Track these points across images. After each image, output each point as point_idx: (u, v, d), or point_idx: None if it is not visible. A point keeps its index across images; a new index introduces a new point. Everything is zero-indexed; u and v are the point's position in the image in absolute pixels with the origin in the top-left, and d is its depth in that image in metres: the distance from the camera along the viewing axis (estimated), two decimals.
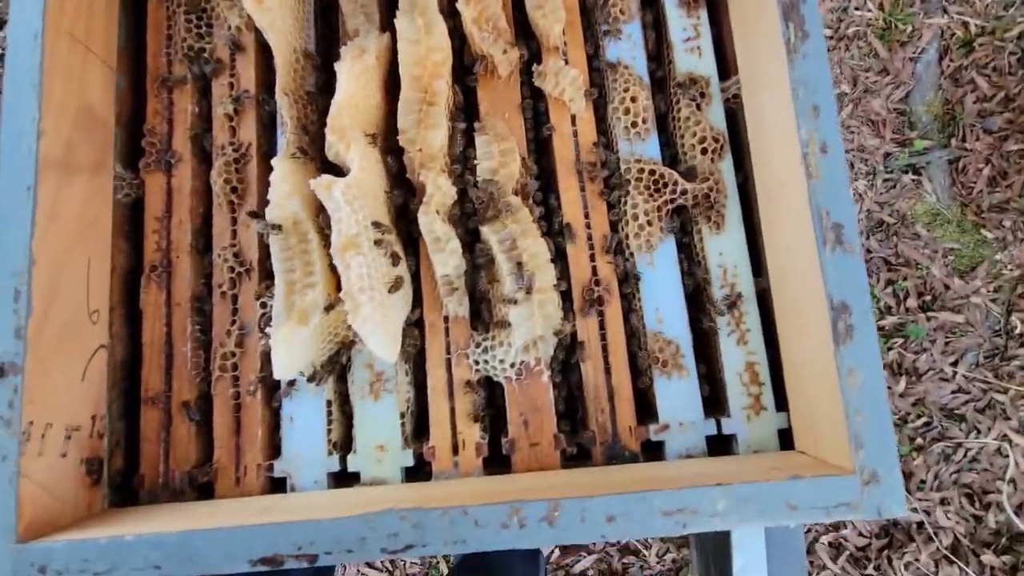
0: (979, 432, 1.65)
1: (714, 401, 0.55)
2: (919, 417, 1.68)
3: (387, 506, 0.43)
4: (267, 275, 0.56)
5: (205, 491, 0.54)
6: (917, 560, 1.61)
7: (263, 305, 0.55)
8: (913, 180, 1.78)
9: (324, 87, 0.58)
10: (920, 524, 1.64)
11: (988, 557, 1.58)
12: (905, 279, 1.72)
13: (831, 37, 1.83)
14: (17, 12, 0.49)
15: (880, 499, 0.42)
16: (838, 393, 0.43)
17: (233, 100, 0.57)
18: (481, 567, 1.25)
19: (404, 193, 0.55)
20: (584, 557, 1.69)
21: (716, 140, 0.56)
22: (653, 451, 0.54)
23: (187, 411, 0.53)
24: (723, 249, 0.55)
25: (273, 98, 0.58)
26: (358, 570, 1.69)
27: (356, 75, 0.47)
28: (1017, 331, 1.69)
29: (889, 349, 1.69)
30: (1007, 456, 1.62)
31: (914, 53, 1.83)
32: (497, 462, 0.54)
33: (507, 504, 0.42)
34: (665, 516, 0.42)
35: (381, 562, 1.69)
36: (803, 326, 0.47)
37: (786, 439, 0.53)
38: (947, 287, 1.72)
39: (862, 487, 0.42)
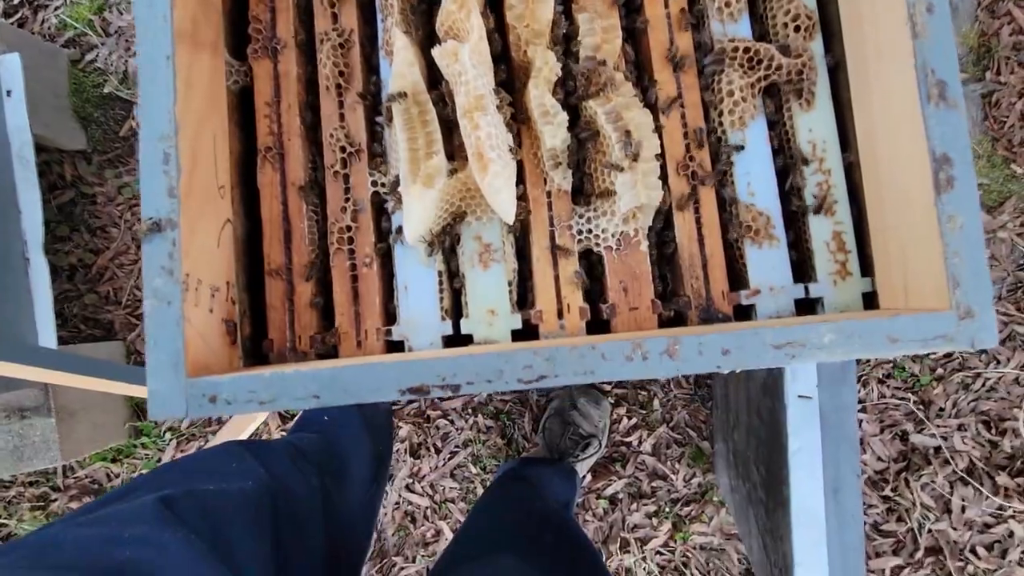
0: (999, 363, 1.70)
1: (802, 268, 0.59)
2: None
3: (515, 349, 0.47)
4: (375, 156, 0.59)
5: (328, 356, 0.58)
6: (933, 482, 1.69)
7: (374, 183, 0.58)
8: None
9: None
10: (937, 449, 1.71)
11: (1003, 479, 1.66)
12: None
13: None
14: None
15: (975, 332, 0.46)
16: (938, 239, 0.46)
17: None
18: (520, 484, 1.32)
19: (506, 71, 0.57)
20: (615, 481, 1.77)
21: (809, 18, 0.57)
22: (745, 316, 0.58)
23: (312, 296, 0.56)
24: (812, 125, 0.58)
25: None
26: (400, 496, 1.78)
27: None
28: None
29: None
30: None
31: None
32: (598, 328, 0.58)
33: (630, 341, 0.46)
34: (776, 348, 0.46)
35: (422, 487, 1.77)
36: (901, 184, 0.50)
37: (870, 303, 0.57)
38: None
39: (958, 321, 0.45)
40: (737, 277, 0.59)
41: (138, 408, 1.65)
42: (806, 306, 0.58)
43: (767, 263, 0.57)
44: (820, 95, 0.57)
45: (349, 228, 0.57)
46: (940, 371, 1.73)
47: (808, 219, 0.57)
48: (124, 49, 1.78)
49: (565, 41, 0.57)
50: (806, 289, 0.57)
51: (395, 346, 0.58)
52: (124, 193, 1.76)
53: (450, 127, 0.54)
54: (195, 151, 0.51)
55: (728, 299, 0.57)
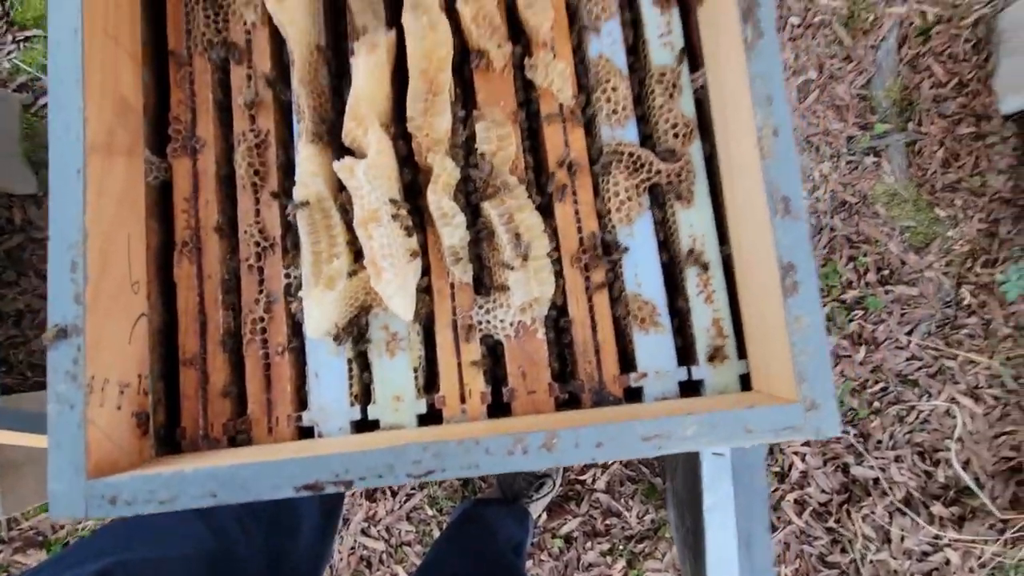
0: (930, 395, 1.80)
1: (685, 352, 0.64)
2: (876, 383, 1.82)
3: (409, 440, 0.50)
4: (289, 249, 0.63)
5: (241, 442, 0.61)
6: (873, 512, 1.76)
7: (287, 276, 0.61)
8: (874, 162, 1.90)
9: (335, 75, 0.64)
10: (876, 480, 1.79)
11: (938, 508, 1.74)
12: (865, 255, 1.85)
13: (799, 25, 1.92)
14: (56, 11, 0.54)
15: (819, 422, 0.51)
16: (786, 336, 0.51)
17: (251, 93, 0.62)
18: (474, 527, 1.34)
19: (412, 173, 0.61)
20: (569, 520, 1.80)
21: (686, 126, 0.64)
22: (634, 397, 0.63)
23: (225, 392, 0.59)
24: (692, 221, 0.63)
25: (288, 87, 0.64)
26: (355, 540, 1.77)
27: (370, 69, 0.54)
28: (966, 302, 1.83)
29: (850, 321, 1.82)
30: (955, 417, 1.77)
31: (875, 41, 1.94)
32: (499, 410, 0.62)
33: (512, 435, 0.50)
34: (645, 440, 0.50)
35: (377, 531, 1.77)
36: (759, 283, 0.56)
37: (746, 383, 0.62)
38: (903, 262, 1.86)
39: (805, 413, 0.51)
40: (629, 358, 0.64)
41: None
42: (691, 386, 0.63)
43: (653, 348, 0.62)
44: (698, 194, 0.63)
45: (262, 319, 0.60)
46: (876, 404, 1.82)
47: (690, 305, 0.62)
48: None
49: (467, 144, 0.62)
50: (688, 372, 0.62)
51: (307, 431, 0.61)
52: None
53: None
54: (106, 254, 0.54)
55: (618, 382, 0.61)
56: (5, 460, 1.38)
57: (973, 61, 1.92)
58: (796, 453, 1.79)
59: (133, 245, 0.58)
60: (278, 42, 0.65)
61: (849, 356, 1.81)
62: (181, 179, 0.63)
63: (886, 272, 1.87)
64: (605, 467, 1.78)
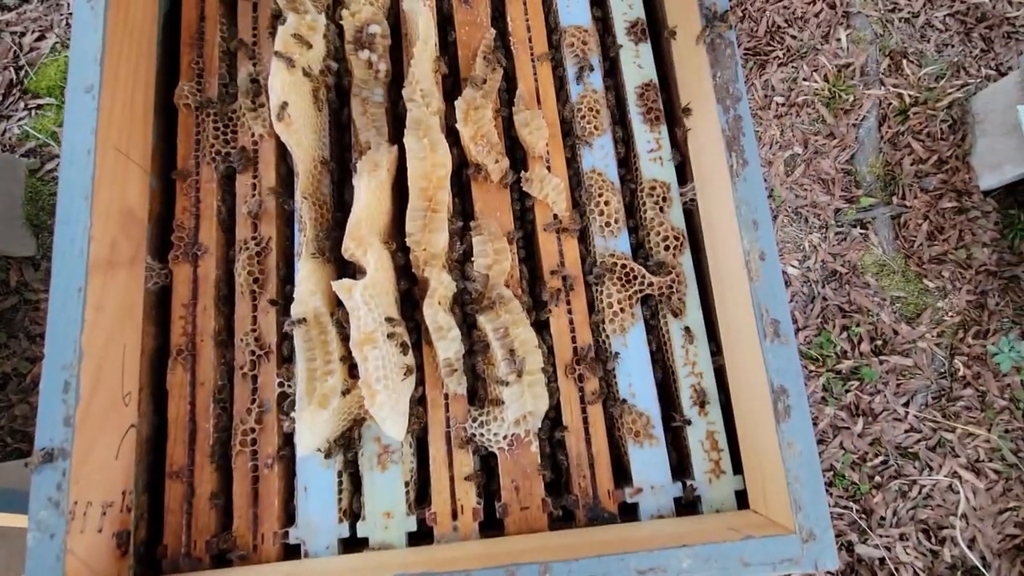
0: (931, 469, 1.77)
1: (680, 465, 0.63)
2: (876, 456, 1.79)
3: (397, 571, 0.49)
4: (285, 359, 0.63)
5: (222, 560, 0.59)
6: None
7: (280, 385, 0.61)
8: (861, 233, 1.94)
9: (337, 184, 0.66)
10: (882, 560, 1.73)
11: None
12: (858, 325, 1.86)
13: (783, 104, 2.01)
14: (71, 130, 0.56)
15: (817, 554, 0.50)
16: (779, 459, 0.51)
17: (256, 202, 0.64)
18: None
19: (408, 282, 0.63)
20: None
21: (677, 238, 0.66)
22: (629, 512, 0.61)
23: (212, 499, 0.58)
24: (685, 333, 0.64)
25: (291, 197, 0.66)
26: None
27: (372, 188, 0.56)
28: (960, 373, 1.83)
29: (847, 391, 1.82)
30: (958, 492, 1.73)
31: (856, 120, 2.03)
32: (491, 524, 0.60)
33: (504, 567, 0.49)
34: (640, 574, 0.49)
35: None
36: (751, 403, 0.56)
37: (742, 497, 0.61)
38: (896, 332, 1.87)
39: (802, 544, 0.50)
40: (624, 471, 0.63)
41: None
42: (686, 503, 0.62)
43: (648, 462, 0.61)
44: (690, 304, 0.64)
45: (253, 430, 0.60)
46: (878, 478, 1.79)
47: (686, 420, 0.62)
48: None
49: (464, 258, 0.63)
50: (684, 487, 0.61)
51: (292, 549, 0.59)
52: None
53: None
54: (101, 369, 0.54)
55: (613, 497, 0.60)
56: None
57: (951, 140, 2.01)
58: None
59: (128, 355, 0.58)
60: (283, 152, 0.67)
61: (848, 427, 1.79)
62: (181, 285, 0.64)
63: (879, 342, 1.88)
64: None
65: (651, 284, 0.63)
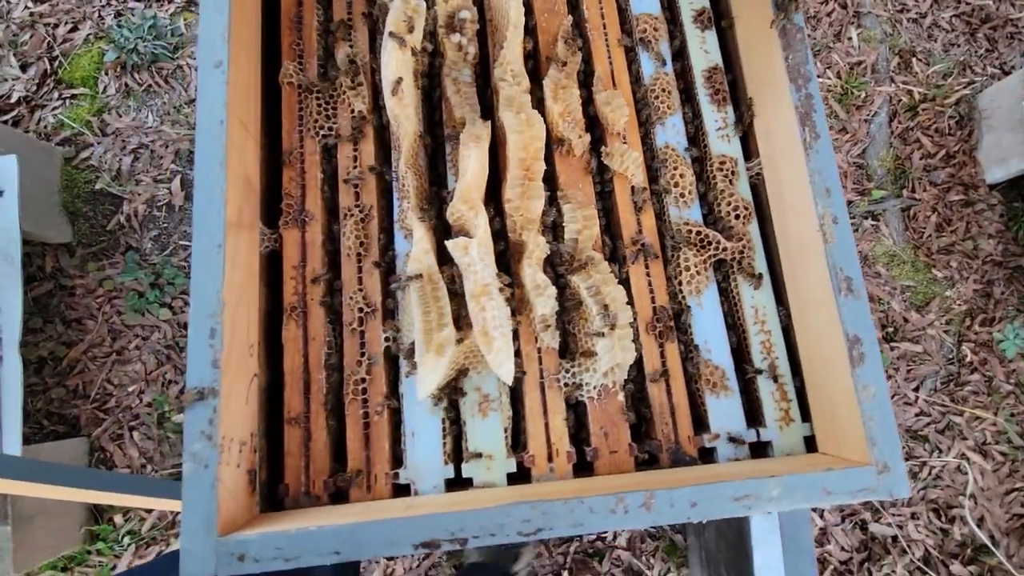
0: (941, 451, 1.85)
1: (753, 413, 0.69)
2: None
3: (510, 500, 0.54)
4: (388, 315, 0.68)
5: (338, 499, 0.64)
6: (894, 572, 1.77)
7: (387, 339, 0.66)
8: (872, 225, 2.02)
9: (431, 157, 0.71)
10: (895, 538, 1.80)
11: (957, 567, 1.75)
12: (871, 313, 1.93)
13: None
14: (204, 103, 0.61)
15: (891, 484, 0.56)
16: (856, 404, 0.57)
17: (357, 172, 0.69)
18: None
19: (504, 245, 0.68)
20: None
21: (745, 208, 0.71)
22: (707, 456, 0.67)
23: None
24: (754, 293, 0.70)
25: (389, 168, 0.71)
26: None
27: (479, 158, 0.61)
28: (967, 359, 1.91)
29: None
30: (966, 473, 1.81)
31: (868, 115, 2.10)
32: (582, 468, 0.66)
33: (614, 495, 0.54)
34: (735, 501, 0.54)
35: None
36: (825, 354, 0.62)
37: (810, 444, 0.67)
38: (906, 320, 1.94)
39: (878, 475, 0.56)
40: (701, 419, 0.69)
41: (96, 510, 1.59)
42: (760, 447, 0.68)
43: (724, 411, 0.67)
44: (758, 268, 0.70)
45: (363, 380, 0.65)
46: None
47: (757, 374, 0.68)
48: (120, 149, 1.86)
49: (554, 226, 0.69)
50: (757, 433, 0.66)
51: (402, 489, 0.64)
52: (105, 286, 1.78)
53: (458, 301, 0.63)
54: (235, 320, 0.59)
55: (693, 442, 0.66)
56: (17, 513, 1.36)
57: (958, 135, 2.09)
58: (814, 509, 1.80)
59: (251, 310, 0.63)
60: (380, 126, 0.72)
61: None
62: (290, 248, 0.69)
63: (891, 329, 1.95)
64: None
65: (725, 249, 0.69)
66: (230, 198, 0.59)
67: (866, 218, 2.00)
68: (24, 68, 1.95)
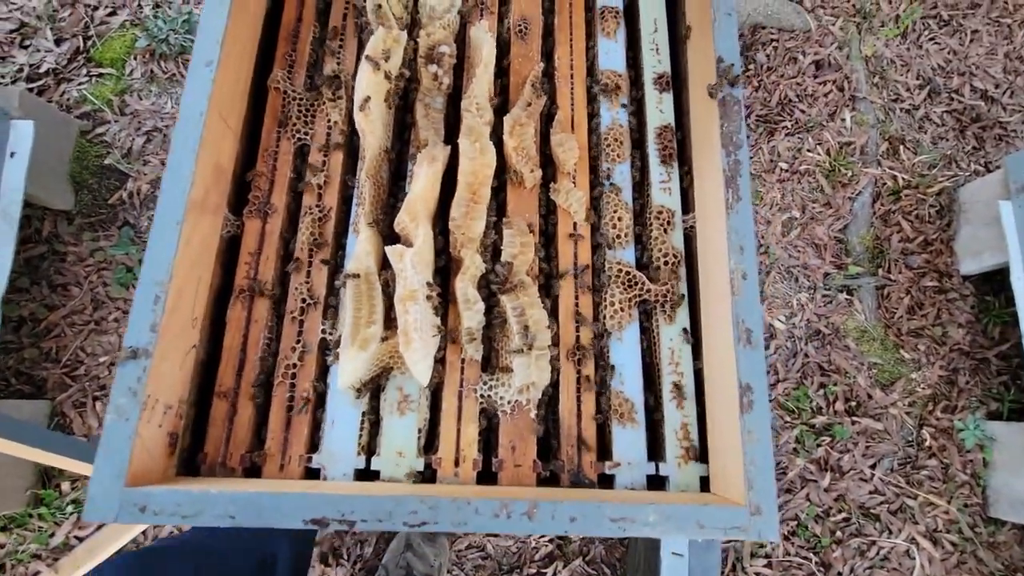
0: (891, 532, 1.85)
1: (655, 448, 0.73)
2: (839, 512, 1.86)
3: (405, 494, 0.58)
4: (328, 309, 0.73)
5: (252, 474, 0.67)
6: None
7: (323, 331, 0.71)
8: (847, 299, 2.07)
9: (394, 174, 0.78)
10: None
11: None
12: (835, 384, 1.97)
13: (787, 170, 2.17)
14: (189, 95, 0.68)
15: (761, 527, 0.59)
16: (740, 448, 0.61)
17: (323, 176, 0.76)
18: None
19: (445, 261, 0.73)
20: None
21: (675, 256, 0.77)
22: (606, 482, 0.71)
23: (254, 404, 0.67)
24: (672, 336, 0.75)
25: (353, 176, 0.77)
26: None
27: (429, 176, 0.67)
28: (926, 444, 1.93)
29: (818, 446, 1.90)
30: (914, 558, 1.81)
31: (852, 194, 2.18)
32: (487, 478, 0.69)
33: (500, 500, 0.58)
34: (612, 521, 0.58)
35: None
36: (722, 397, 0.66)
37: (705, 485, 0.70)
38: (870, 396, 1.97)
39: (750, 516, 0.59)
40: (605, 446, 0.73)
41: (45, 475, 1.60)
42: (657, 481, 0.71)
43: (628, 441, 0.71)
44: (680, 313, 0.75)
45: (295, 365, 0.69)
46: (839, 534, 1.86)
47: (663, 408, 0.72)
48: (135, 129, 1.95)
49: (495, 249, 0.75)
50: (656, 467, 0.70)
51: (313, 473, 0.68)
52: (96, 256, 1.83)
53: (392, 303, 0.68)
54: (181, 292, 0.64)
55: (595, 468, 0.70)
56: None
57: (937, 224, 2.16)
58: (758, 574, 1.79)
59: (201, 286, 0.68)
60: (351, 138, 0.79)
61: (815, 481, 1.86)
62: (250, 236, 0.74)
63: (854, 403, 1.98)
64: (567, 562, 1.77)
65: (649, 291, 0.74)
66: (197, 181, 0.66)
67: (841, 291, 2.05)
68: (58, 42, 2.06)
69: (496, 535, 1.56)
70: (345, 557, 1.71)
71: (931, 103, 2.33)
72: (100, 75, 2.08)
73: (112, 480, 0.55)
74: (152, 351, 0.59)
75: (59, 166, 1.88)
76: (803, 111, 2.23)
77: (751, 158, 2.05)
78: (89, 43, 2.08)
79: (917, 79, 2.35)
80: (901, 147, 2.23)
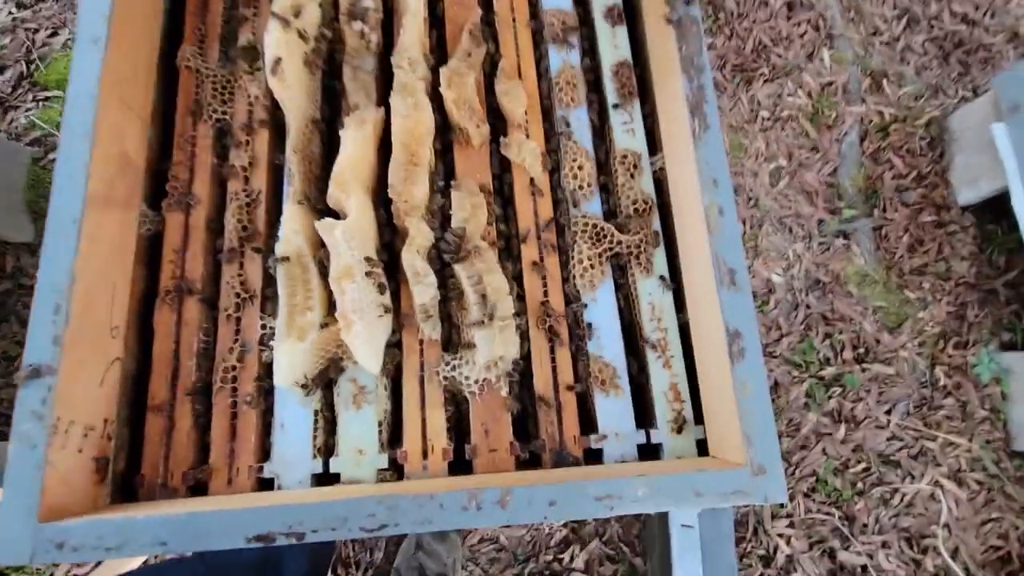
0: (913, 478, 1.78)
1: (644, 415, 0.66)
2: (858, 463, 1.80)
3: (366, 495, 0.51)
4: (267, 302, 0.65)
5: (198, 492, 0.61)
6: None
7: (263, 327, 0.64)
8: (844, 244, 1.99)
9: (327, 146, 0.70)
10: (864, 567, 1.73)
11: None
12: (841, 333, 1.89)
13: (768, 118, 2.08)
14: (77, 76, 0.60)
15: (766, 488, 0.52)
16: (734, 401, 0.54)
17: (247, 156, 0.68)
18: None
19: (391, 235, 0.66)
20: None
21: (646, 202, 0.69)
22: (594, 458, 0.63)
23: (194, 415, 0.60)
24: (651, 289, 0.67)
25: (282, 154, 0.69)
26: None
27: (357, 140, 0.60)
28: (941, 383, 1.86)
29: (829, 398, 1.84)
30: (940, 501, 1.74)
31: (839, 135, 2.10)
32: (461, 466, 0.62)
33: (467, 491, 0.51)
34: (597, 500, 0.51)
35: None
36: (710, 349, 0.59)
37: (705, 449, 0.63)
38: (878, 341, 1.90)
39: (752, 476, 0.52)
40: (589, 418, 0.66)
41: None
42: (651, 449, 0.64)
43: (613, 410, 0.63)
44: (657, 264, 0.68)
45: (234, 367, 0.62)
46: (860, 485, 1.79)
47: (649, 369, 0.65)
48: None
49: (443, 212, 0.67)
50: (647, 435, 0.63)
51: (267, 483, 0.61)
52: None
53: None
54: (91, 297, 0.56)
55: (579, 443, 0.63)
56: None
57: (929, 156, 2.07)
58: (781, 535, 1.73)
59: (118, 292, 0.60)
60: (276, 113, 0.71)
61: (830, 433, 1.80)
62: (172, 232, 0.67)
63: (862, 350, 1.91)
64: (583, 544, 1.72)
65: (620, 243, 0.66)
66: (96, 172, 0.58)
67: (837, 237, 1.97)
68: (1, 70, 1.97)
69: (508, 525, 1.50)
70: (354, 567, 1.65)
71: (911, 33, 2.24)
72: (47, 98, 1.99)
73: (23, 517, 0.48)
74: (56, 367, 0.51)
75: (13, 196, 1.79)
76: (779, 55, 2.14)
77: (731, 109, 1.97)
78: (33, 67, 1.99)
79: (894, 9, 2.25)
80: (884, 81, 2.14)
